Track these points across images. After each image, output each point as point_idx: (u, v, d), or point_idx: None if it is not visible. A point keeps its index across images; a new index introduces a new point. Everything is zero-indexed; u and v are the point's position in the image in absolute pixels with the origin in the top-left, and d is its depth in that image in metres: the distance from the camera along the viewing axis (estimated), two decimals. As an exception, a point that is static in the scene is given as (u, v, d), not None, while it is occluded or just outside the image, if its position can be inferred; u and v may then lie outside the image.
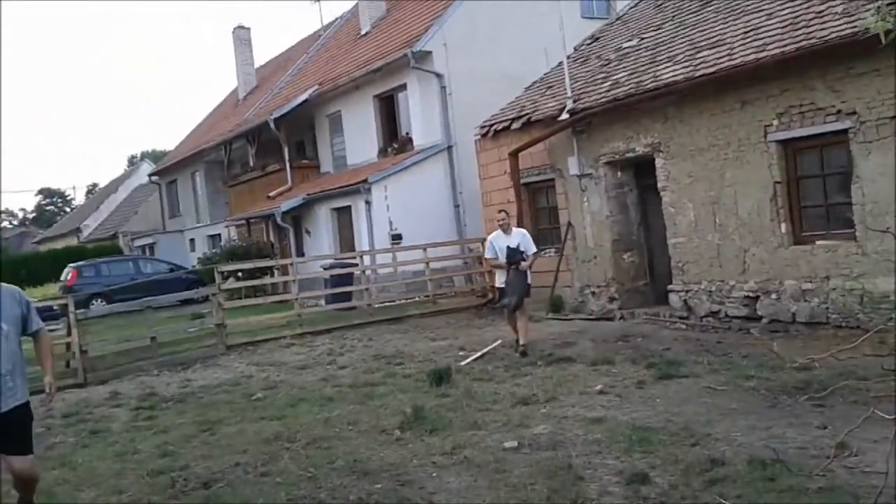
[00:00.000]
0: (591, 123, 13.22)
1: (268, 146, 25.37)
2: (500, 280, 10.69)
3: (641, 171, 12.89)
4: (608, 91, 12.87)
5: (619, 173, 13.18)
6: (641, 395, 7.31)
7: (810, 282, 9.94)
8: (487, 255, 10.91)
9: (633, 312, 12.63)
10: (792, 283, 10.17)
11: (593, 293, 13.53)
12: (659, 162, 12.04)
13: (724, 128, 10.90)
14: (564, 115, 13.49)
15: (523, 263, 10.29)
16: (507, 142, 15.08)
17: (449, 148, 19.33)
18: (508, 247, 10.28)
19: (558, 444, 5.94)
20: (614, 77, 13.19)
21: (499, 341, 10.86)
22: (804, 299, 10.01)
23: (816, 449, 5.12)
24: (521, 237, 10.53)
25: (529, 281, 10.53)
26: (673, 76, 11.54)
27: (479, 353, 10.11)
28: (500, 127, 15.36)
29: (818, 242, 9.94)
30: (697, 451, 5.08)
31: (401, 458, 6.00)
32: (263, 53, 76.30)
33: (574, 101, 13.41)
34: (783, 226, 10.31)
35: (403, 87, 20.42)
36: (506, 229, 10.52)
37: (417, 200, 18.62)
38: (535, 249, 10.73)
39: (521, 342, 10.15)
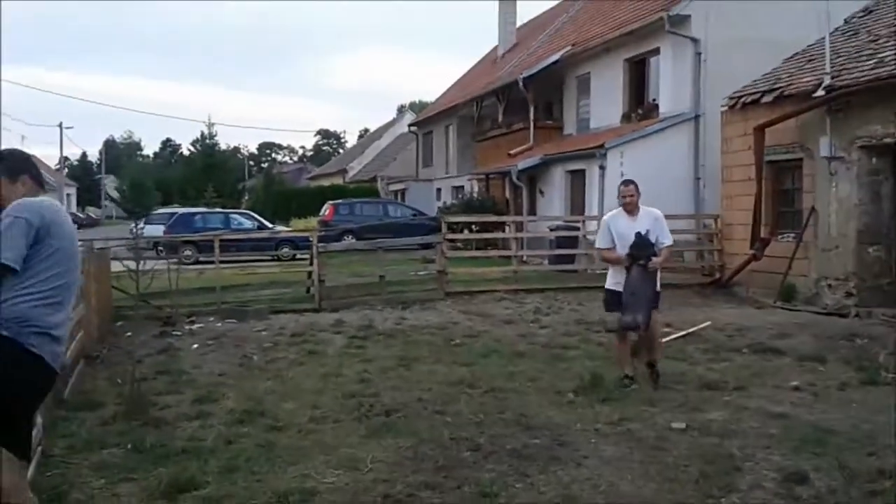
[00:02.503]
0: (849, 103, 12.13)
1: (516, 105, 25.82)
2: (612, 280, 7.40)
3: (901, 159, 11.68)
4: (871, 69, 11.72)
5: (874, 159, 12.02)
6: (839, 398, 6.82)
7: None
8: (599, 244, 7.59)
9: (870, 311, 11.56)
10: None
11: (829, 286, 12.54)
12: (921, 151, 10.84)
13: None
14: (820, 92, 12.48)
15: (654, 259, 7.10)
16: (754, 116, 14.21)
17: (696, 118, 18.51)
18: (637, 233, 7.10)
19: (728, 434, 5.76)
20: (881, 55, 11.96)
21: (708, 322, 10.52)
22: None
23: None
24: (651, 221, 7.25)
25: (659, 287, 7.38)
26: (948, 56, 10.27)
27: (683, 332, 9.85)
28: (748, 100, 14.51)
29: None
30: (871, 461, 4.72)
31: (566, 420, 6.15)
32: (530, 11, 76.99)
33: (832, 78, 12.36)
34: None
35: (656, 51, 19.78)
36: (631, 210, 7.31)
37: (655, 169, 18.00)
38: (670, 241, 7.40)
39: (654, 362, 7.38)
